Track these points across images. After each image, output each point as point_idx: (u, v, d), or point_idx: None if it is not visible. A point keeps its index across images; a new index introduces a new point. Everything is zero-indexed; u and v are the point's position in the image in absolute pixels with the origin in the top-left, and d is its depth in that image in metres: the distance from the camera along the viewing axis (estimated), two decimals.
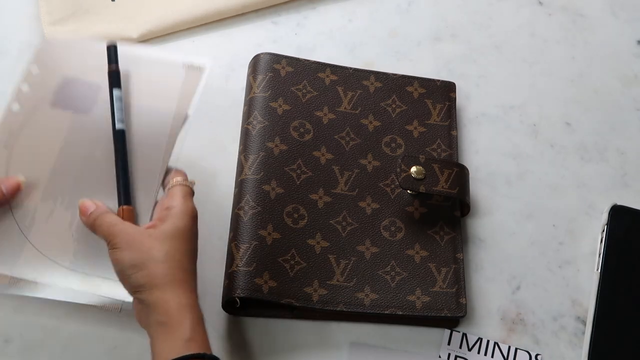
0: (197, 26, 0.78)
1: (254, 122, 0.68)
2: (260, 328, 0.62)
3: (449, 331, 0.63)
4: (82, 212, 0.57)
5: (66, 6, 0.76)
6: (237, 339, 0.62)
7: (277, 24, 0.79)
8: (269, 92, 0.69)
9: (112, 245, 0.54)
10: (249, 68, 0.72)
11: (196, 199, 0.68)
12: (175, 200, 0.57)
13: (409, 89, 0.72)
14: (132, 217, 0.57)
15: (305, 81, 0.71)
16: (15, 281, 0.58)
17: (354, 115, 0.70)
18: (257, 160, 0.66)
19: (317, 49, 0.77)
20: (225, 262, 0.63)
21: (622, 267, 0.65)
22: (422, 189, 0.65)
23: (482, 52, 0.78)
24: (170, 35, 0.77)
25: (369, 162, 0.68)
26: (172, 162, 0.61)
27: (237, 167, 0.68)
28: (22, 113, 0.61)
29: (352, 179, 0.67)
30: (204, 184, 0.69)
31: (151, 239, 0.54)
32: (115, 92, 0.61)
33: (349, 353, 0.62)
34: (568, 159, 0.73)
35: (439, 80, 0.73)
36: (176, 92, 0.62)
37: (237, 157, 0.68)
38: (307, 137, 0.68)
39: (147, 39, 0.76)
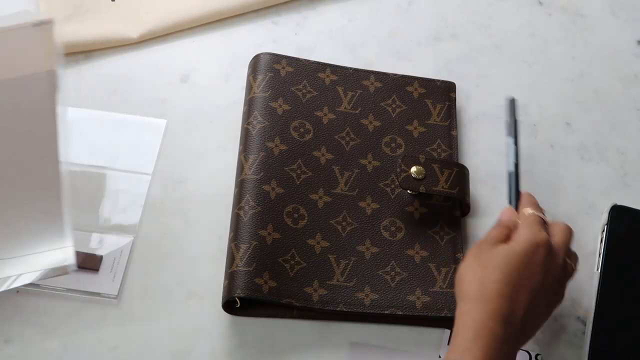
0: (197, 26, 0.78)
1: (254, 122, 0.68)
2: (260, 328, 0.62)
3: (449, 331, 0.63)
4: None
5: (66, 6, 0.76)
6: (237, 339, 0.62)
7: (277, 24, 0.79)
8: (269, 92, 0.69)
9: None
10: (249, 68, 0.72)
11: (196, 199, 0.68)
12: (522, 229, 0.57)
13: (409, 89, 0.72)
14: None
15: (305, 81, 0.71)
16: None
17: (354, 115, 0.70)
18: (257, 160, 0.66)
19: (317, 49, 0.77)
20: (225, 262, 0.63)
21: (622, 267, 0.65)
22: (422, 189, 0.65)
23: (482, 52, 0.78)
24: (170, 35, 0.77)
25: (369, 162, 0.68)
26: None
27: (237, 167, 0.68)
28: None
29: (352, 179, 0.67)
30: (204, 184, 0.69)
31: (483, 257, 0.55)
32: None
33: (349, 353, 0.62)
34: (568, 159, 0.73)
35: (439, 80, 0.73)
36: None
37: (237, 157, 0.68)
38: (307, 137, 0.68)
39: (147, 39, 0.76)
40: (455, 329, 0.53)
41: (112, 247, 0.64)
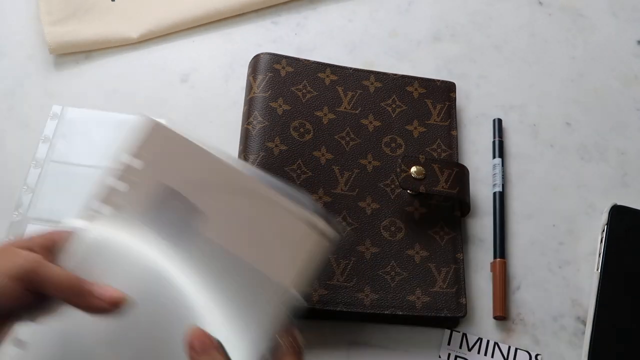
0: (197, 26, 0.78)
1: (254, 122, 0.68)
2: None
3: (449, 331, 0.63)
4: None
5: (66, 6, 0.76)
6: None
7: (277, 24, 0.79)
8: (269, 92, 0.69)
9: None
10: (249, 68, 0.72)
11: None
12: None
13: (409, 89, 0.72)
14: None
15: (305, 81, 0.71)
16: None
17: (354, 115, 0.70)
18: (257, 161, 0.66)
19: (317, 49, 0.77)
20: None
21: (622, 267, 0.65)
22: (422, 189, 0.65)
23: (482, 52, 0.78)
24: (170, 35, 0.77)
25: (369, 162, 0.68)
26: None
27: None
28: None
29: (352, 179, 0.67)
30: None
31: None
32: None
33: (349, 353, 0.62)
34: (568, 159, 0.73)
35: (439, 80, 0.73)
36: None
37: (237, 157, 0.68)
38: (307, 137, 0.68)
39: (147, 39, 0.76)
40: None
41: None
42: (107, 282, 0.46)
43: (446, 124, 0.72)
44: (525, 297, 0.65)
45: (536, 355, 0.63)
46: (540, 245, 0.68)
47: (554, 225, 0.69)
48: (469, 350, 0.63)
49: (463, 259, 0.65)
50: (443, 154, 0.70)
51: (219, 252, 0.46)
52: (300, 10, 0.80)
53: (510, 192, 0.70)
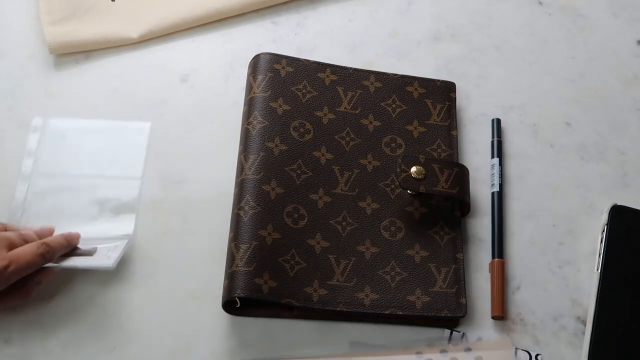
0: (197, 26, 0.78)
1: (254, 122, 0.68)
2: (260, 328, 0.62)
3: (449, 331, 0.63)
4: None
5: (66, 6, 0.76)
6: (237, 339, 0.62)
7: (277, 24, 0.79)
8: (269, 92, 0.69)
9: None
10: (249, 68, 0.72)
11: (196, 199, 0.68)
12: None
13: (409, 89, 0.72)
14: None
15: (305, 81, 0.71)
16: None
17: (354, 115, 0.70)
18: (257, 161, 0.66)
19: (317, 49, 0.77)
20: (225, 262, 0.63)
21: (622, 267, 0.65)
22: (422, 189, 0.65)
23: (482, 52, 0.78)
24: (170, 35, 0.77)
25: (369, 162, 0.68)
26: None
27: (237, 167, 0.68)
28: None
29: (352, 179, 0.67)
30: (204, 184, 0.69)
31: None
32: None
33: (349, 353, 0.61)
34: (568, 159, 0.73)
35: (439, 80, 0.73)
36: None
37: (237, 157, 0.68)
38: (307, 137, 0.68)
39: (147, 39, 0.76)
40: None
41: (113, 251, 0.64)
42: None
43: (446, 124, 0.72)
44: (525, 297, 0.65)
45: (536, 355, 0.63)
46: (540, 245, 0.68)
47: (554, 225, 0.69)
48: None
49: (463, 259, 0.65)
50: (443, 154, 0.70)
51: None
52: (300, 10, 0.80)
53: (510, 192, 0.70)
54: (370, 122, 0.70)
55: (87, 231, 0.65)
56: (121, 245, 0.63)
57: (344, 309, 0.62)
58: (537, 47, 0.79)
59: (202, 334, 0.62)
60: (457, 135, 0.71)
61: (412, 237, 0.66)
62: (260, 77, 0.70)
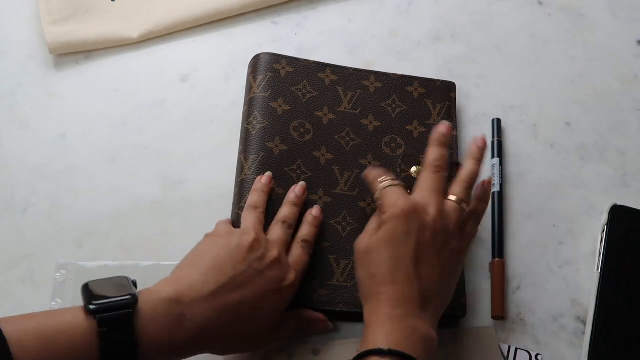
0: (197, 26, 0.78)
1: (254, 122, 0.68)
2: None
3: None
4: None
5: (66, 6, 0.76)
6: None
7: (277, 24, 0.79)
8: (269, 92, 0.69)
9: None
10: (249, 68, 0.72)
11: (196, 199, 0.68)
12: (382, 206, 0.56)
13: (409, 89, 0.72)
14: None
15: (305, 81, 0.71)
16: None
17: (354, 116, 0.70)
18: (257, 161, 0.66)
19: (317, 49, 0.77)
20: None
21: (622, 267, 0.65)
22: None
23: (482, 52, 0.78)
24: (170, 35, 0.77)
25: (369, 162, 0.68)
26: None
27: (237, 167, 0.68)
28: None
29: (352, 179, 0.67)
30: (204, 184, 0.69)
31: (362, 257, 0.56)
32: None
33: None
34: (568, 159, 0.73)
35: (439, 81, 0.73)
36: None
37: (237, 157, 0.68)
38: (307, 137, 0.68)
39: (147, 39, 0.76)
40: (364, 330, 0.53)
41: None
42: None
43: None
44: (525, 297, 0.65)
45: (536, 355, 0.63)
46: (540, 245, 0.68)
47: (554, 225, 0.69)
48: None
49: None
50: None
51: None
52: (300, 10, 0.80)
53: (510, 192, 0.70)
54: (370, 122, 0.70)
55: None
56: None
57: (344, 309, 0.62)
58: (537, 47, 0.79)
59: None
60: (457, 135, 0.71)
61: None
62: (260, 77, 0.70)
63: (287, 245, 0.60)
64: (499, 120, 0.73)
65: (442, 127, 0.60)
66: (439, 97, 0.73)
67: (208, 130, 0.72)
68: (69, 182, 0.69)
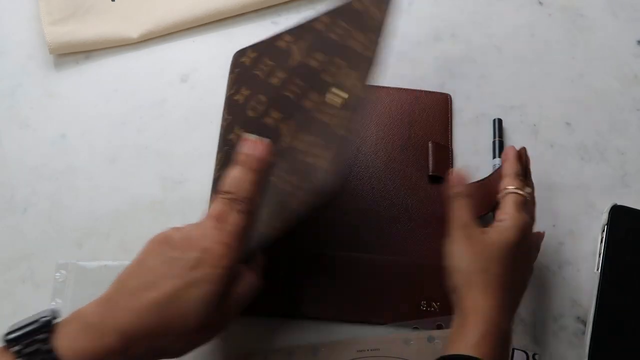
0: (197, 26, 0.78)
1: (222, 122, 0.66)
2: (260, 328, 0.62)
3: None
4: (451, 182, 0.59)
5: (66, 6, 0.76)
6: (237, 339, 0.62)
7: (277, 24, 0.79)
8: (234, 88, 0.66)
9: (449, 233, 0.57)
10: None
11: (196, 199, 0.68)
12: (507, 211, 0.57)
13: (356, 5, 0.63)
14: None
15: (266, 58, 0.65)
16: None
17: (302, 64, 0.63)
18: (222, 157, 0.64)
19: None
20: None
21: (622, 267, 0.65)
22: None
23: (482, 52, 0.78)
24: (170, 35, 0.77)
25: (314, 102, 0.61)
26: None
27: None
28: None
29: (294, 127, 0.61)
30: (204, 184, 0.69)
31: (486, 248, 0.55)
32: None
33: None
34: (568, 159, 0.73)
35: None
36: None
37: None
38: (261, 109, 0.63)
39: (147, 39, 0.76)
40: (462, 316, 0.53)
41: None
42: None
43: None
44: (525, 297, 0.65)
45: (533, 355, 0.63)
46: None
47: (554, 226, 0.69)
48: None
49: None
50: None
51: None
52: (300, 10, 0.80)
53: None
54: (316, 59, 0.63)
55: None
56: None
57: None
58: (537, 47, 0.79)
59: None
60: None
61: None
62: (229, 77, 0.68)
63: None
64: (500, 121, 0.73)
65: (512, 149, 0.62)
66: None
67: (208, 130, 0.72)
68: (69, 182, 0.69)
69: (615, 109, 0.76)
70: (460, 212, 0.57)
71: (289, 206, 0.55)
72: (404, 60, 0.77)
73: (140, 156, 0.71)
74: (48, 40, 0.74)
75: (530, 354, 0.63)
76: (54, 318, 0.48)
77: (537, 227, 0.68)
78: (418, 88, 0.74)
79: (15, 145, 0.71)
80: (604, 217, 0.68)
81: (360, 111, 0.58)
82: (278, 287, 0.63)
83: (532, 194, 0.61)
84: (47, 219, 0.68)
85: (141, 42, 0.76)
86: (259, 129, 0.60)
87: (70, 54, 0.75)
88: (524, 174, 0.61)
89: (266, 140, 0.55)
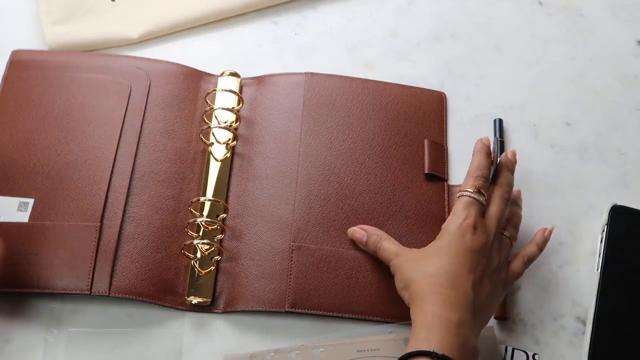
0: (197, 26, 0.78)
1: None
2: (260, 328, 0.62)
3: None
4: (359, 242, 0.63)
5: (66, 6, 0.76)
6: (237, 339, 0.62)
7: (277, 24, 0.79)
8: None
9: (392, 269, 0.60)
10: None
11: None
12: (452, 213, 0.61)
13: None
14: None
15: None
16: None
17: None
18: None
19: (317, 49, 0.77)
20: None
21: (622, 267, 0.65)
22: None
23: (482, 52, 0.78)
24: (170, 35, 0.77)
25: None
26: None
27: None
28: None
29: None
30: None
31: (418, 260, 0.58)
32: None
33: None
34: (568, 159, 0.73)
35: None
36: None
37: None
38: None
39: (147, 39, 0.76)
40: (412, 327, 0.54)
41: None
42: None
43: None
44: (525, 297, 0.65)
45: (533, 355, 0.62)
46: None
47: (554, 226, 0.69)
48: None
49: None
50: None
51: None
52: (300, 10, 0.80)
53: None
54: None
55: None
56: None
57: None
58: (537, 47, 0.79)
59: (202, 333, 0.62)
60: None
61: None
62: None
63: None
64: (500, 121, 0.73)
65: (484, 140, 0.65)
66: None
67: None
68: None
69: (615, 109, 0.76)
70: (386, 252, 0.61)
71: None
72: (404, 60, 0.77)
73: None
74: (48, 40, 0.74)
75: (530, 354, 0.63)
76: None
77: (537, 227, 0.68)
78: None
79: None
80: (604, 217, 0.68)
81: None
82: (275, 285, 0.63)
83: (502, 196, 0.62)
84: None
85: (141, 42, 0.76)
86: None
87: None
88: (491, 173, 0.63)
89: None
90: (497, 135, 0.72)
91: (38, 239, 0.62)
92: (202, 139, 0.68)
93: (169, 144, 0.68)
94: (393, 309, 0.62)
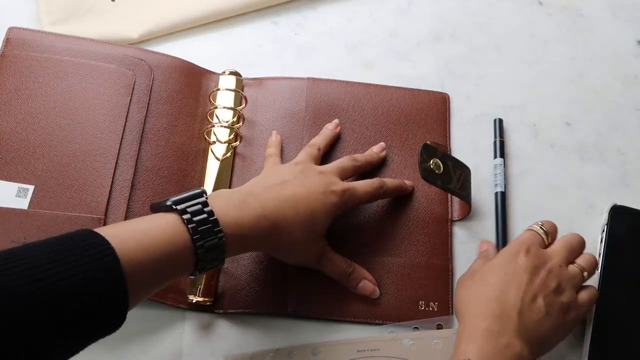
0: (197, 26, 0.78)
1: None
2: (260, 328, 0.62)
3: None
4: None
5: (66, 6, 0.76)
6: (237, 339, 0.62)
7: (277, 24, 0.79)
8: None
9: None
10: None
11: None
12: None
13: None
14: None
15: None
16: None
17: None
18: None
19: (317, 49, 0.77)
20: None
21: (622, 267, 0.65)
22: (439, 184, 0.64)
23: (482, 52, 0.78)
24: (170, 35, 0.77)
25: None
26: None
27: None
28: None
29: None
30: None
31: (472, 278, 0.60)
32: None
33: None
34: (568, 159, 0.73)
35: None
36: None
37: None
38: None
39: (147, 39, 0.76)
40: (456, 339, 0.55)
41: None
42: None
43: None
44: None
45: None
46: None
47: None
48: None
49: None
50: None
51: None
52: (300, 10, 0.80)
53: (510, 192, 0.70)
54: None
55: None
56: None
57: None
58: (537, 47, 0.79)
59: (202, 334, 0.62)
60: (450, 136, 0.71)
61: None
62: None
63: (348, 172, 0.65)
64: (500, 121, 0.73)
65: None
66: None
67: None
68: None
69: (615, 109, 0.76)
70: (477, 262, 0.63)
71: None
72: (404, 60, 0.77)
73: None
74: None
75: None
76: (205, 193, 0.53)
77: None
78: (417, 88, 0.74)
79: None
80: (604, 217, 0.68)
81: None
82: (277, 287, 0.63)
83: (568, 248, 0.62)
84: None
85: (141, 42, 0.76)
86: None
87: None
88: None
89: None
90: (498, 135, 0.72)
91: (37, 227, 0.61)
92: (205, 137, 0.68)
93: (171, 139, 0.68)
94: (394, 312, 0.62)
